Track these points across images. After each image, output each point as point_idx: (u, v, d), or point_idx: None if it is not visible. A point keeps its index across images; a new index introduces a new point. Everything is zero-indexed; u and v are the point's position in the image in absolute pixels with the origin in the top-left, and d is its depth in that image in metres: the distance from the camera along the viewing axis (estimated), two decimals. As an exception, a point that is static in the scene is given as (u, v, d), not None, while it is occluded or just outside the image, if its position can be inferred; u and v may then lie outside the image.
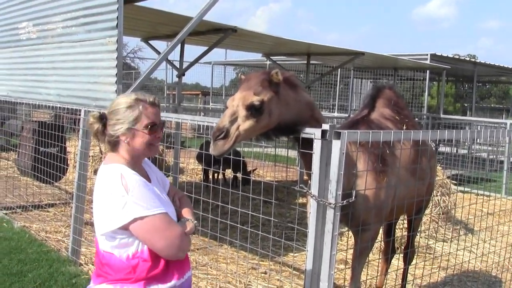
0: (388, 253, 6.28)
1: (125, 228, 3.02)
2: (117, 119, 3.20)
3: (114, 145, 3.24)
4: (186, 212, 3.44)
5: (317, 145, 4.02)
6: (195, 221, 3.35)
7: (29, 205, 9.71)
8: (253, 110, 4.05)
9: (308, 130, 4.19)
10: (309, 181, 4.31)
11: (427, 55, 17.75)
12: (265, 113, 4.10)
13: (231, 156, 6.08)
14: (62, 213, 9.72)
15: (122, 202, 2.98)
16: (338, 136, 3.92)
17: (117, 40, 6.63)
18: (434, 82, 27.67)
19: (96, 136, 3.28)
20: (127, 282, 3.09)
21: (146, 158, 3.49)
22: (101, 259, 3.18)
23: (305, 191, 4.22)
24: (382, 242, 6.65)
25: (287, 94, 4.27)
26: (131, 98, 3.24)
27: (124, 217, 2.98)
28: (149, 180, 3.31)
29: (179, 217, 3.38)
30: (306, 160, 4.31)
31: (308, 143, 4.18)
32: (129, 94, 3.32)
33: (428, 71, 19.13)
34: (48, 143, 8.90)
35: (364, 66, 19.62)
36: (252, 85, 4.14)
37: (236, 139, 4.05)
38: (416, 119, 17.81)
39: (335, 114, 21.34)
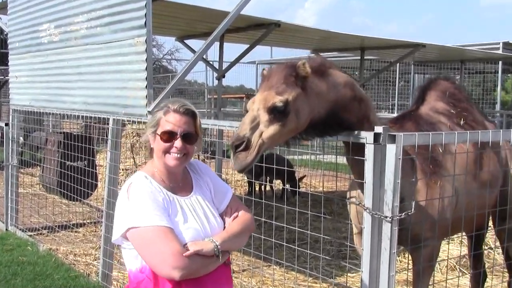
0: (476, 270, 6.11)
1: (126, 237, 3.17)
2: (148, 122, 3.48)
3: (150, 150, 3.49)
4: (222, 232, 3.44)
5: (369, 151, 3.90)
6: (217, 243, 3.28)
7: (56, 226, 9.81)
8: (277, 113, 3.84)
9: (357, 133, 4.06)
10: (356, 191, 4.20)
11: (499, 44, 17.37)
12: (291, 115, 3.88)
13: (278, 166, 5.99)
14: (92, 233, 9.80)
15: (123, 210, 3.17)
16: (393, 139, 3.81)
17: (146, 40, 6.58)
18: (508, 75, 27.15)
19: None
20: None
21: (202, 166, 3.71)
22: None
23: (357, 203, 4.12)
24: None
25: (317, 84, 4.05)
26: (163, 102, 3.45)
27: (122, 226, 3.15)
28: (189, 191, 3.47)
29: None
30: (354, 168, 4.20)
31: (357, 148, 4.07)
32: (171, 99, 3.57)
33: (500, 62, 18.74)
34: (76, 156, 8.96)
35: (426, 59, 19.30)
36: (274, 83, 3.93)
37: (260, 149, 3.83)
38: (489, 117, 17.43)
39: (396, 115, 21.08)
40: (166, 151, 3.34)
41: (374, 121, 4.34)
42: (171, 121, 3.33)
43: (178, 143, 3.33)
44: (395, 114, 20.93)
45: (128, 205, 3.15)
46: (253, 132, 3.83)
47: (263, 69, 4.26)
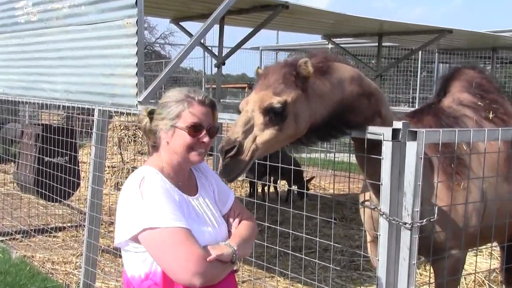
0: (510, 286, 6.09)
1: (136, 239, 3.16)
2: (159, 113, 3.41)
3: (156, 144, 3.47)
4: (234, 236, 3.50)
5: (387, 148, 3.87)
6: (235, 247, 3.35)
7: (32, 230, 9.78)
8: (273, 115, 3.83)
9: (372, 129, 4.05)
10: (369, 193, 4.19)
11: (537, 29, 17.31)
12: (289, 119, 3.88)
13: (283, 165, 6.00)
14: (73, 238, 9.79)
15: (135, 210, 3.15)
16: (414, 136, 3.80)
17: (137, 21, 6.56)
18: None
19: (145, 135, 3.54)
20: None
21: (204, 164, 3.72)
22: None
23: (373, 207, 4.12)
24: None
25: (319, 85, 4.04)
26: (181, 92, 3.42)
27: (134, 226, 3.13)
28: (194, 190, 3.52)
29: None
30: (369, 168, 4.20)
31: (370, 145, 4.06)
32: (181, 88, 3.49)
33: (540, 51, 18.65)
34: (55, 151, 8.94)
35: (453, 47, 19.23)
36: (272, 82, 3.92)
37: (253, 155, 3.84)
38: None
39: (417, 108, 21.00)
40: (191, 147, 3.36)
41: (387, 116, 4.34)
42: (197, 114, 3.36)
43: (205, 137, 3.38)
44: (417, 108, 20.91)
45: (143, 203, 3.15)
46: (246, 136, 3.83)
47: (258, 68, 4.26)
